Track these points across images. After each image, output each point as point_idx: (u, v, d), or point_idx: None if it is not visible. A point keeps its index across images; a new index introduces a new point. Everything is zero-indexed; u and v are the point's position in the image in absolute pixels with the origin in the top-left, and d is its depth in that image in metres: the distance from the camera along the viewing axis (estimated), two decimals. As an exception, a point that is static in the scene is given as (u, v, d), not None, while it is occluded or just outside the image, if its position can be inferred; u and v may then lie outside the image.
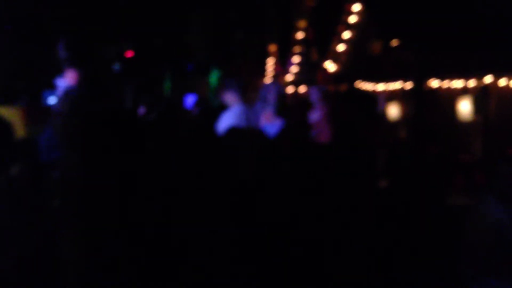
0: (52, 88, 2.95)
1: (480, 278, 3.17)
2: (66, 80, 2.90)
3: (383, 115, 8.63)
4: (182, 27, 9.42)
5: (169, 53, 8.80)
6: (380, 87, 9.47)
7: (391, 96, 9.07)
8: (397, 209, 5.05)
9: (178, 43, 9.24)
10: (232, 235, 2.57)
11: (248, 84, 10.95)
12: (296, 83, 11.48)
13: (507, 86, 7.02)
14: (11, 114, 5.82)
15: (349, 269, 3.23)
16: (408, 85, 8.58)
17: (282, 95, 5.04)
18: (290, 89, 11.52)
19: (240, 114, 4.55)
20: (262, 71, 13.74)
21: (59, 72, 2.89)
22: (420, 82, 8.25)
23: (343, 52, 9.56)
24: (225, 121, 4.46)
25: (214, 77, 10.30)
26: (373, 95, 5.36)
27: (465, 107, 7.53)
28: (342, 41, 9.41)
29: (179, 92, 8.96)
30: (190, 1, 9.51)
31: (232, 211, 2.60)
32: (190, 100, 8.74)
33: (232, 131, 3.15)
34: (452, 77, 7.83)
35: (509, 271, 3.15)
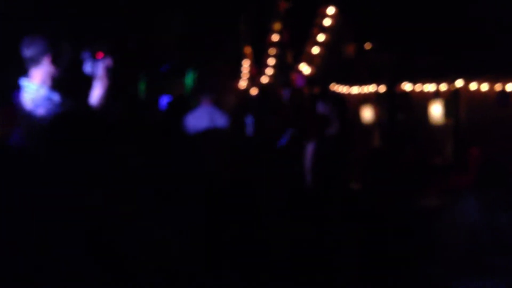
0: (17, 87, 2.92)
1: (454, 279, 3.22)
2: (31, 79, 2.87)
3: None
4: (157, 28, 9.38)
5: (143, 54, 8.75)
6: (354, 90, 9.57)
7: (365, 99, 9.16)
8: (370, 211, 5.11)
9: (153, 44, 9.20)
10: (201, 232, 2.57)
11: (223, 86, 10.96)
12: (271, 85, 11.53)
13: (477, 90, 7.15)
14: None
15: (323, 269, 3.25)
16: (382, 88, 8.69)
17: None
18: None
19: (204, 115, 4.61)
20: (237, 73, 13.74)
21: (24, 72, 2.86)
22: (393, 85, 8.36)
23: (317, 55, 9.63)
24: (189, 122, 4.53)
25: (189, 79, 10.28)
26: (343, 97, 5.43)
27: (436, 111, 7.64)
28: (316, 43, 9.49)
29: (154, 93, 8.92)
30: (166, 2, 9.48)
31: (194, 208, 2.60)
32: (165, 101, 8.71)
33: (197, 131, 3.22)
34: (424, 80, 7.95)
35: (484, 271, 3.22)
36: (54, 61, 2.86)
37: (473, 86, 7.18)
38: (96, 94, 3.07)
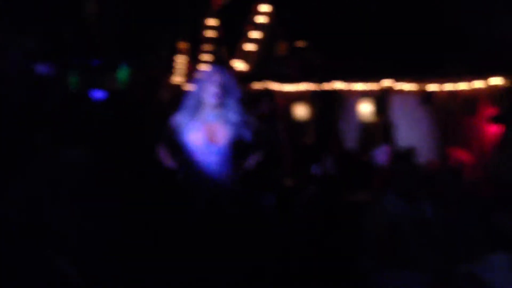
0: None
1: (378, 270, 3.34)
2: None
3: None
4: (91, 20, 9.19)
5: (75, 48, 8.55)
6: (287, 87, 9.70)
7: (298, 97, 9.32)
8: (301, 206, 5.22)
9: (85, 37, 9.01)
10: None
11: (156, 81, 10.83)
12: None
13: (403, 90, 7.44)
14: None
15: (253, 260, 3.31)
16: (314, 87, 8.86)
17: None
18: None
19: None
20: (172, 68, 13.64)
21: None
22: (324, 83, 8.54)
23: (252, 52, 9.70)
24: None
25: (123, 74, 10.13)
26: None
27: (366, 109, 7.88)
28: (250, 40, 9.55)
29: (86, 87, 8.74)
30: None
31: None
32: (97, 95, 8.57)
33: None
34: (354, 79, 8.18)
35: (406, 263, 3.35)
36: None
37: (400, 86, 7.47)
38: None
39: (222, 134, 3.53)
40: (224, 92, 3.54)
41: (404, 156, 5.17)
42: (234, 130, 3.56)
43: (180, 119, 3.62)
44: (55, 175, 2.37)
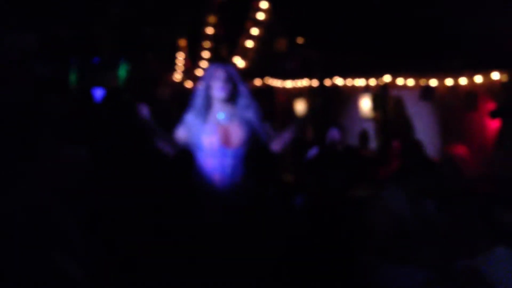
0: None
1: (380, 266, 3.35)
2: None
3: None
4: (89, 18, 9.19)
5: (75, 45, 8.55)
6: (288, 84, 9.72)
7: (299, 92, 9.33)
8: (302, 202, 5.22)
9: (84, 35, 9.00)
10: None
11: (157, 78, 10.84)
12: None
13: (404, 85, 7.44)
14: None
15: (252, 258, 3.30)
16: (314, 83, 8.87)
17: None
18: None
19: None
20: (172, 66, 13.65)
21: None
22: (324, 79, 8.55)
23: (251, 49, 9.71)
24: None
25: (122, 71, 10.12)
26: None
27: (365, 105, 7.88)
28: (250, 37, 9.56)
29: (86, 85, 8.73)
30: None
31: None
32: (98, 93, 8.56)
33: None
34: (354, 75, 8.18)
35: (408, 258, 3.36)
36: None
37: (400, 81, 7.46)
38: None
39: (237, 134, 3.37)
40: (231, 87, 3.40)
41: (414, 150, 5.16)
42: (250, 129, 3.40)
43: (190, 121, 3.45)
44: (56, 175, 2.37)
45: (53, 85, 6.73)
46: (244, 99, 3.43)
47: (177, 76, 14.09)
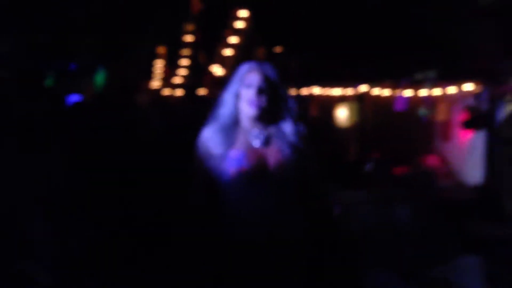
0: None
1: (369, 273, 3.37)
2: None
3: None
4: (66, 25, 9.13)
5: (50, 51, 8.48)
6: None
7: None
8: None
9: (60, 41, 8.94)
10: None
11: (134, 85, 10.80)
12: (183, 86, 11.52)
13: (380, 95, 7.53)
14: None
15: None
16: (292, 92, 8.92)
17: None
18: (178, 92, 11.54)
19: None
20: (150, 73, 13.60)
21: None
22: (302, 88, 8.62)
23: (230, 57, 9.74)
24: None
25: (100, 78, 10.07)
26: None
27: (342, 114, 7.96)
28: (229, 45, 9.60)
29: (61, 91, 8.67)
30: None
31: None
32: (74, 99, 8.50)
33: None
34: (331, 85, 8.26)
35: (381, 266, 3.39)
36: None
37: (376, 91, 7.56)
38: None
39: (276, 158, 2.40)
40: (267, 98, 2.42)
41: (383, 163, 5.25)
42: (292, 151, 2.43)
43: (212, 145, 2.44)
44: (27, 181, 2.36)
45: (28, 90, 6.68)
46: (285, 113, 2.49)
47: (156, 84, 14.05)
